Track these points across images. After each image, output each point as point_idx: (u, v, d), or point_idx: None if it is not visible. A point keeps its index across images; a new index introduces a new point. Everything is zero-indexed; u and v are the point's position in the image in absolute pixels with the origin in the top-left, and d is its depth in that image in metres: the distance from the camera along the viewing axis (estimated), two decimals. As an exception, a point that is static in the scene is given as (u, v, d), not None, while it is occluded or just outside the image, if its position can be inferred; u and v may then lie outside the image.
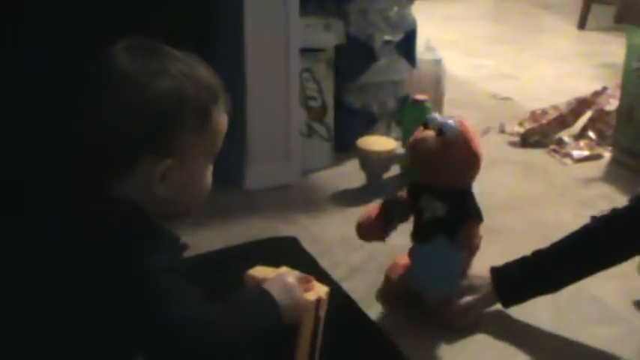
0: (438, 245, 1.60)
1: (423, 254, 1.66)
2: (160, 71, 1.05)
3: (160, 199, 1.07)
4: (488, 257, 1.74)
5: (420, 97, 2.44)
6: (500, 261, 1.70)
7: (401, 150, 2.37)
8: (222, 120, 1.13)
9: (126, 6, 2.10)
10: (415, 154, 1.65)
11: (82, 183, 1.07)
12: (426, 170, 1.65)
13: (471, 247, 1.66)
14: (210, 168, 1.15)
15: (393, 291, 1.76)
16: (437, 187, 1.64)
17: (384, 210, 1.69)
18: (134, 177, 1.05)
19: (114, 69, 1.05)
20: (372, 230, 1.71)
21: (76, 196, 1.07)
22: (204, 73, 1.10)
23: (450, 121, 1.59)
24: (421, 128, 1.65)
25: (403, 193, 1.71)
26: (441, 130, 1.58)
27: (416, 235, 1.71)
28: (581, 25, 4.72)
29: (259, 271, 1.26)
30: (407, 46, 2.70)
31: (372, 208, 1.73)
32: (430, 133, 1.61)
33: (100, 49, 1.08)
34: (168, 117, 1.05)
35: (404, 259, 1.74)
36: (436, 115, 1.66)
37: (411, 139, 1.66)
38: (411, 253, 1.71)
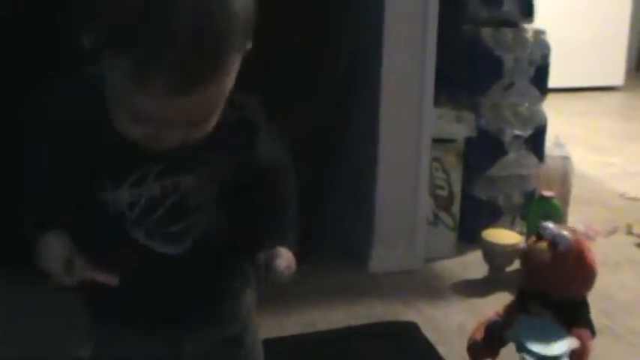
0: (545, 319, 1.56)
1: (526, 321, 1.60)
2: None
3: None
4: (610, 362, 1.72)
5: (546, 192, 2.46)
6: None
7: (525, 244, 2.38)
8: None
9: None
10: (526, 265, 1.64)
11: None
12: (537, 279, 1.63)
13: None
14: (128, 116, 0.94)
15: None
16: (547, 296, 1.61)
17: (488, 334, 1.68)
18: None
19: None
20: (481, 354, 1.70)
21: None
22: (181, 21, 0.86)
23: (565, 233, 1.58)
24: (534, 238, 1.65)
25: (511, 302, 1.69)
26: (554, 243, 1.57)
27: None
28: None
29: None
30: (536, 141, 2.73)
31: (477, 329, 1.72)
32: (543, 245, 1.60)
33: None
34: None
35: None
36: (550, 225, 1.63)
37: (524, 247, 1.67)
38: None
